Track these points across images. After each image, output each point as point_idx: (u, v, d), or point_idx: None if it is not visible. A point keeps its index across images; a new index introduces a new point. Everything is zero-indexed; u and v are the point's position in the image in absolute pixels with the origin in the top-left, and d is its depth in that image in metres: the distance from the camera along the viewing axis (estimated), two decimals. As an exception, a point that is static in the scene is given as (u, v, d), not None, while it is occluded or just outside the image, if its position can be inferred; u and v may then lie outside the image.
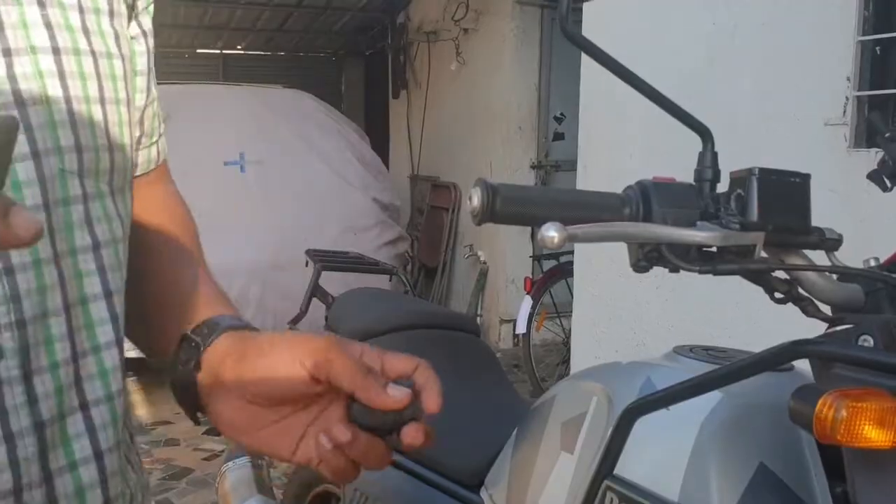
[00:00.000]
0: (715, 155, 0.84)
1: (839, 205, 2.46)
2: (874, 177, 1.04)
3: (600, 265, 3.63)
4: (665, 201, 0.79)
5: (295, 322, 1.90)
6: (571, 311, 4.15)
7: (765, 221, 0.77)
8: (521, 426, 1.24)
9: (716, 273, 0.77)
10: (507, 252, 5.66)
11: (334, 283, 2.12)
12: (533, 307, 4.51)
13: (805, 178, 0.81)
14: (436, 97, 6.69)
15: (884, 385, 0.69)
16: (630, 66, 0.82)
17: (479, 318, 5.91)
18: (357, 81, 9.41)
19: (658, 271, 0.84)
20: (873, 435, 0.67)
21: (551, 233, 0.66)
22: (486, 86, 5.85)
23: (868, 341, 0.75)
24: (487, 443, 1.34)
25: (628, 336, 3.69)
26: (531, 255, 5.44)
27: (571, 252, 4.05)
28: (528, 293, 4.56)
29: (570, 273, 4.27)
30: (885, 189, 1.04)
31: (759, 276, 0.81)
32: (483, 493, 1.30)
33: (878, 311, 0.85)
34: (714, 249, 0.80)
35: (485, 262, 5.84)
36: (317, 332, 0.56)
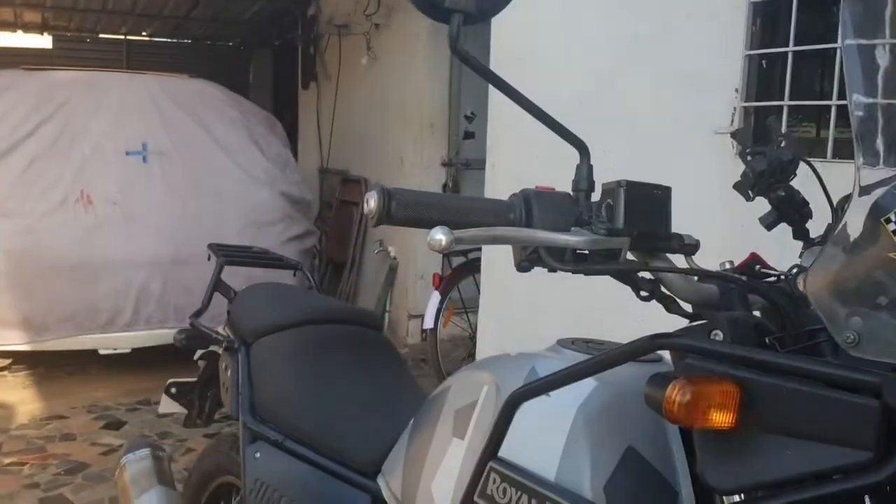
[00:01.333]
0: (590, 168, 0.93)
1: (723, 210, 2.63)
2: (738, 188, 1.15)
3: (505, 262, 3.75)
4: (545, 208, 0.87)
5: (196, 316, 1.90)
6: (478, 307, 4.27)
7: (630, 228, 0.86)
8: (418, 415, 1.31)
9: (587, 273, 0.86)
10: (417, 248, 5.73)
11: (238, 278, 2.13)
12: (441, 303, 4.60)
13: (666, 191, 0.90)
14: (346, 91, 6.69)
15: (727, 373, 0.79)
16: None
17: (387, 314, 5.96)
18: (266, 72, 9.29)
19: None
20: (715, 417, 0.76)
21: (439, 236, 0.73)
22: (398, 82, 5.89)
23: (718, 335, 0.85)
24: (386, 432, 1.40)
25: (530, 329, 3.82)
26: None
27: (480, 249, 4.16)
28: (436, 289, 4.64)
29: (478, 269, 4.39)
30: (748, 199, 1.15)
31: (626, 277, 0.90)
32: (380, 480, 1.36)
33: (731, 309, 0.95)
34: (587, 252, 0.88)
35: (395, 258, 5.89)
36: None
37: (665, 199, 0.90)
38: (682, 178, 2.92)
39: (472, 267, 4.59)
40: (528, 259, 0.87)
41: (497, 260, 3.89)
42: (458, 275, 4.74)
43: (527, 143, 3.49)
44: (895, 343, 0.74)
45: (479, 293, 4.16)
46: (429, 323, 4.47)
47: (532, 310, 3.76)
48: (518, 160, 3.66)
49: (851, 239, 0.77)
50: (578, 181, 0.92)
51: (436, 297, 4.53)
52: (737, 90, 2.80)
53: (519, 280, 3.91)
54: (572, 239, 0.83)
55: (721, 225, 2.72)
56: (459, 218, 0.82)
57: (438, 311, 4.50)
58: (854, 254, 0.77)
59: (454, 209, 0.84)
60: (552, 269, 0.88)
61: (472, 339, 4.79)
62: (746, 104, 2.70)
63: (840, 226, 0.78)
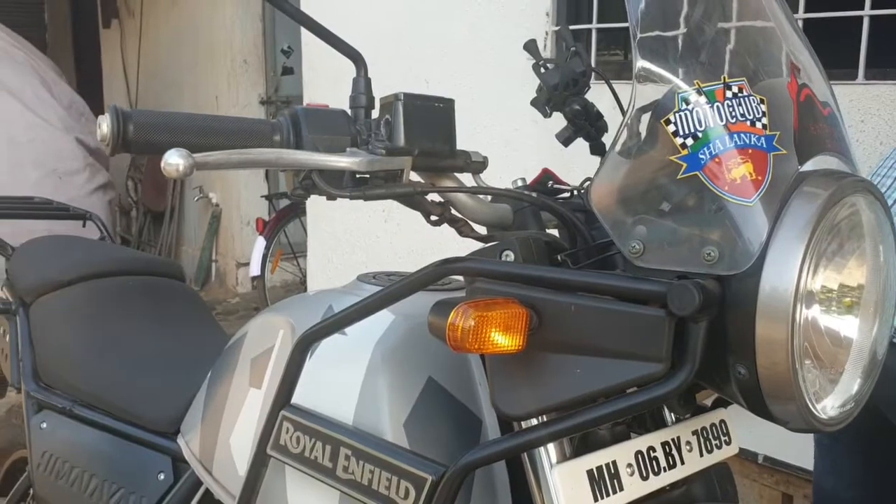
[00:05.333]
0: (368, 81, 0.85)
1: (543, 134, 2.65)
2: (535, 104, 1.10)
3: (331, 203, 3.64)
4: (316, 128, 0.78)
5: (-36, 278, 1.69)
6: (307, 250, 4.14)
7: (411, 146, 0.79)
8: (215, 367, 1.20)
9: (365, 198, 0.78)
10: (240, 192, 5.47)
11: (30, 235, 1.92)
12: (266, 248, 4.43)
13: (449, 103, 0.84)
14: (152, 28, 6.20)
15: (514, 294, 0.75)
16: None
17: (214, 263, 5.69)
18: (62, 11, 8.46)
19: (386, 205, 0.84)
20: (501, 341, 0.72)
21: (174, 160, 0.63)
22: (206, 16, 5.52)
23: (510, 256, 0.80)
24: (185, 388, 1.29)
25: (361, 269, 3.76)
26: (263, 194, 5.31)
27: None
28: (260, 234, 4.46)
29: (304, 212, 4.24)
30: (545, 115, 1.11)
31: (412, 200, 0.83)
32: (180, 440, 1.25)
33: (525, 228, 0.91)
34: (367, 175, 0.81)
35: (217, 205, 5.61)
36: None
37: (448, 113, 0.83)
38: (501, 105, 2.92)
39: (298, 209, 4.44)
40: (301, 186, 0.78)
41: (320, 200, 3.77)
42: (283, 218, 4.57)
43: (344, 76, 3.36)
44: (679, 250, 0.73)
45: (306, 235, 4.03)
46: (255, 270, 4.30)
47: (362, 249, 3.69)
48: (336, 94, 3.53)
49: (632, 145, 0.74)
50: (356, 97, 0.83)
51: (260, 242, 4.35)
52: (547, 14, 2.80)
53: (346, 219, 3.82)
54: (344, 160, 0.75)
55: (539, 150, 2.74)
56: (215, 141, 0.71)
57: (265, 257, 4.33)
58: (636, 160, 0.74)
59: (208, 131, 0.73)
60: (330, 197, 0.80)
61: (304, 283, 4.67)
62: (557, 28, 2.71)
63: (621, 132, 0.74)
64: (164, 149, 0.71)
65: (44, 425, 1.46)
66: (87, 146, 4.76)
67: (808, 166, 0.76)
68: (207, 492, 1.18)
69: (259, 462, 0.98)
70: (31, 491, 1.53)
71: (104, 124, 0.69)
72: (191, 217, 5.93)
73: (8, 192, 3.07)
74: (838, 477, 1.59)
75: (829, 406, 0.78)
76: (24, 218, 1.91)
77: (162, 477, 1.31)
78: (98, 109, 5.12)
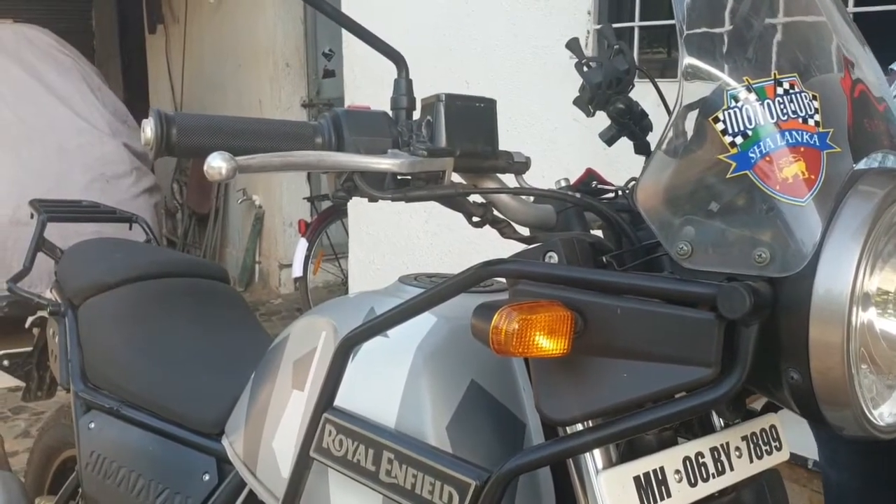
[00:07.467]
0: (409, 82, 0.84)
1: (584, 133, 2.62)
2: (578, 103, 1.09)
3: (372, 204, 3.65)
4: (357, 130, 0.77)
5: (17, 280, 1.72)
6: (348, 251, 4.17)
7: (453, 147, 0.78)
8: (258, 369, 1.21)
9: (407, 200, 0.78)
10: (283, 195, 5.53)
11: (78, 237, 1.96)
12: (308, 249, 4.46)
13: (491, 104, 0.83)
14: (196, 32, 6.30)
15: (558, 296, 0.73)
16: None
17: (257, 265, 5.76)
18: (109, 16, 8.64)
19: (427, 207, 0.84)
20: (545, 344, 0.70)
21: (217, 163, 0.63)
22: (249, 20, 5.59)
23: (553, 257, 0.79)
24: (229, 389, 1.30)
25: (402, 270, 3.76)
26: (305, 196, 5.36)
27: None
28: (302, 236, 4.50)
29: (346, 213, 4.26)
30: (588, 114, 1.09)
31: (454, 202, 0.82)
32: (224, 441, 1.26)
33: (568, 229, 0.90)
34: (409, 177, 0.80)
35: (260, 207, 5.67)
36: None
37: (490, 114, 0.82)
38: (542, 105, 2.90)
39: (340, 211, 4.46)
40: (343, 188, 0.78)
41: (361, 202, 3.79)
42: (324, 220, 4.60)
43: (385, 79, 3.37)
44: (729, 251, 0.71)
45: (348, 237, 4.05)
46: (297, 271, 4.34)
47: (403, 250, 3.69)
48: (377, 96, 3.54)
49: (679, 143, 0.72)
50: (397, 98, 0.83)
51: (303, 244, 4.39)
52: (589, 13, 2.78)
53: (388, 221, 3.83)
54: (386, 162, 0.75)
55: (582, 149, 2.72)
56: (257, 144, 0.71)
57: (307, 258, 4.36)
58: (682, 159, 0.73)
59: (250, 134, 0.73)
60: (372, 199, 0.79)
61: (345, 284, 4.69)
62: (599, 26, 2.69)
63: (667, 130, 0.72)
64: (207, 152, 0.71)
65: (92, 425, 1.49)
66: (133, 150, 4.85)
67: (864, 164, 0.73)
68: (251, 493, 1.19)
69: (302, 464, 0.98)
70: (80, 490, 1.56)
71: (148, 128, 0.69)
72: (234, 219, 6.00)
73: (57, 196, 3.15)
74: (840, 467, 1.55)
75: (887, 413, 0.75)
76: (73, 221, 1.95)
77: (207, 478, 1.32)
78: (145, 113, 5.17)
